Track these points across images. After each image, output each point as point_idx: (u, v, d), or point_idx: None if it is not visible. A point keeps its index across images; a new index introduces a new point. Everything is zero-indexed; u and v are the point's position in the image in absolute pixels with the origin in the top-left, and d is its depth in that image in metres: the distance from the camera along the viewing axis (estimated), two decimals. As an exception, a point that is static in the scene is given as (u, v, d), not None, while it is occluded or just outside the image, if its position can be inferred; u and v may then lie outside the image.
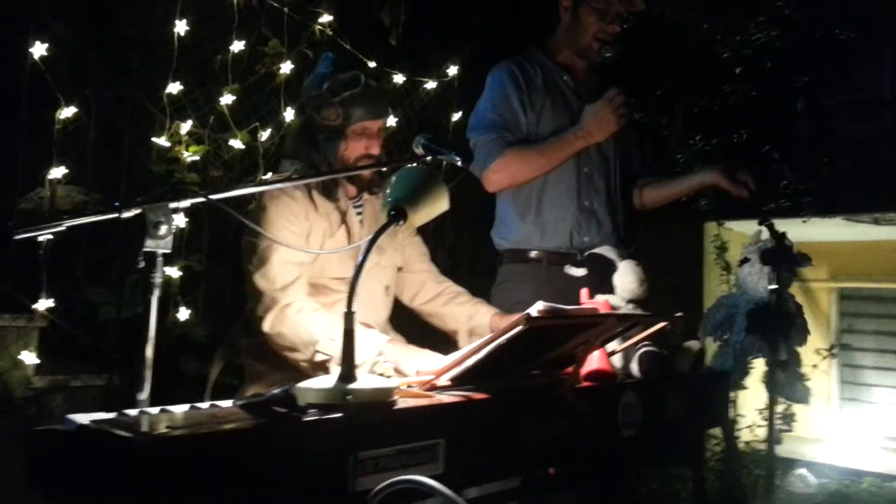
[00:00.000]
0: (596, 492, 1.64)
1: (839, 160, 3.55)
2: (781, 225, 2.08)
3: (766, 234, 2.08)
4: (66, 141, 2.53)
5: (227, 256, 2.76)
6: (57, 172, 2.48)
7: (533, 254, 2.09)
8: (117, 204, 1.25)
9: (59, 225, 1.19)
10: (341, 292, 1.70)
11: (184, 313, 2.53)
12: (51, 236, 1.20)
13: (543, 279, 2.05)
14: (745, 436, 2.83)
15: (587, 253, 2.06)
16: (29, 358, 2.35)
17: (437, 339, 1.88)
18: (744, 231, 3.26)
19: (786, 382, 2.10)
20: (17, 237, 1.20)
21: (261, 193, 1.74)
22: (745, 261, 2.19)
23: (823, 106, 3.66)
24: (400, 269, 1.92)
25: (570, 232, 2.09)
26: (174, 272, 2.52)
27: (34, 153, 2.57)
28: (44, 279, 2.22)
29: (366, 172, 1.77)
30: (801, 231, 3.20)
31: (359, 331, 1.18)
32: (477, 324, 1.83)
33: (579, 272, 2.05)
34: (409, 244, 1.96)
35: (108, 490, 0.89)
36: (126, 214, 1.25)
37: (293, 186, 1.71)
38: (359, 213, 1.82)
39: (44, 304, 2.29)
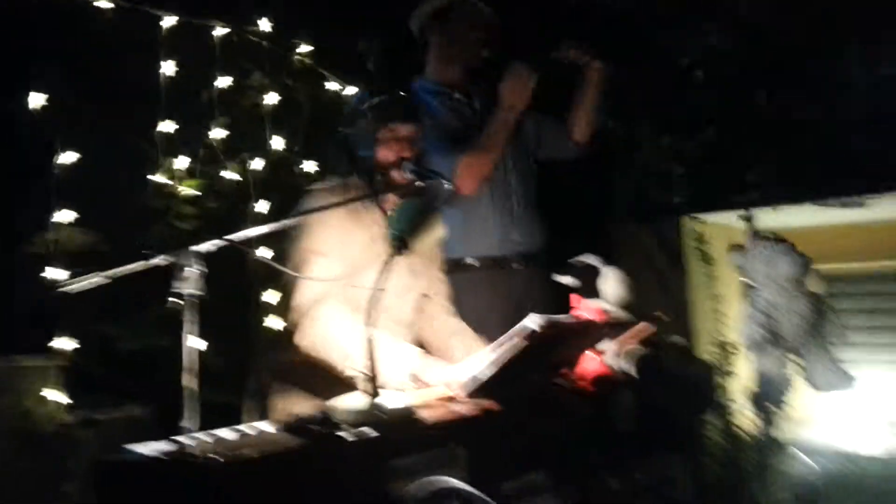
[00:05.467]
0: (600, 485, 1.77)
1: (803, 147, 3.71)
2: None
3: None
4: (66, 185, 2.62)
5: (231, 285, 2.85)
6: (62, 216, 2.56)
7: (471, 261, 2.24)
8: (146, 252, 1.35)
9: (96, 275, 1.30)
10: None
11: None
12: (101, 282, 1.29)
13: (490, 285, 2.22)
14: (739, 420, 2.94)
15: (573, 260, 2.20)
16: (53, 395, 2.42)
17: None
18: (720, 223, 3.40)
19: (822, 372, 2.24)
20: (61, 290, 1.30)
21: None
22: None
23: (786, 97, 3.83)
24: (425, 295, 1.96)
25: (500, 234, 2.27)
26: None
27: (36, 198, 2.66)
28: (59, 318, 2.33)
29: (399, 181, 1.78)
30: (775, 220, 3.34)
31: (394, 345, 1.27)
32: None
33: (568, 280, 2.19)
34: (439, 278, 2.00)
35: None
36: (153, 261, 1.34)
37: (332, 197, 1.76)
38: None
39: (60, 342, 2.38)
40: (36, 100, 2.44)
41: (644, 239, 3.53)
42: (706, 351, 2.98)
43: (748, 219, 2.64)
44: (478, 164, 2.23)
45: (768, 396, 2.34)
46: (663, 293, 3.35)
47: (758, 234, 2.62)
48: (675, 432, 1.85)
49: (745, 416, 2.86)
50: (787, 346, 2.29)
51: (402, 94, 1.87)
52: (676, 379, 1.85)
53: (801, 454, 2.02)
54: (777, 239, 2.55)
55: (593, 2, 2.32)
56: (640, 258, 3.45)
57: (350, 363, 1.65)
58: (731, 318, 3.08)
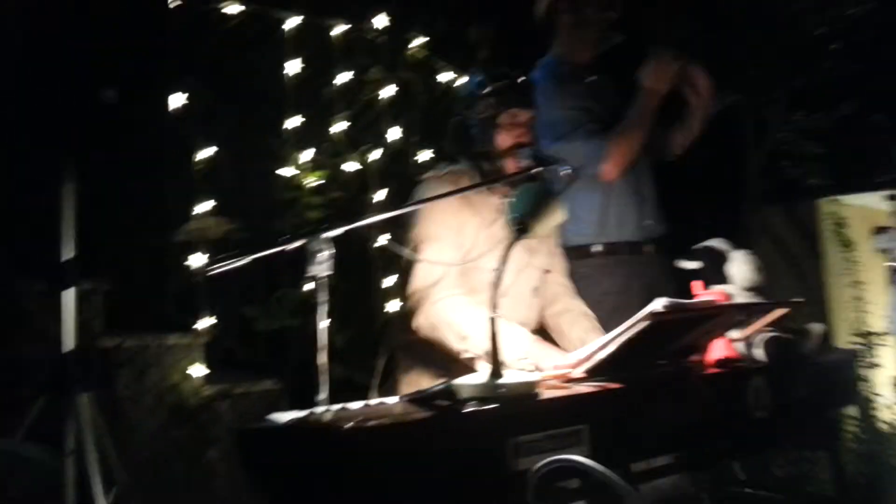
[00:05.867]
0: (730, 473, 1.71)
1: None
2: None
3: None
4: (206, 178, 2.83)
5: (354, 268, 2.98)
6: (205, 206, 2.77)
7: (604, 247, 2.22)
8: (284, 237, 1.45)
9: (244, 259, 1.41)
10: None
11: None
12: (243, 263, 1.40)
13: (623, 270, 2.20)
14: (884, 414, 2.75)
15: (699, 245, 2.13)
16: (197, 370, 2.63)
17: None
18: (861, 205, 3.16)
19: None
20: (211, 272, 1.42)
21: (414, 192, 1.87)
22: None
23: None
24: (547, 271, 1.97)
25: (636, 219, 2.24)
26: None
27: (179, 192, 2.90)
28: (203, 301, 2.53)
29: (516, 168, 1.78)
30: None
31: (507, 329, 1.31)
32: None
33: (693, 265, 2.11)
34: (556, 253, 2.02)
35: (315, 474, 1.08)
36: (292, 246, 1.44)
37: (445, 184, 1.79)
38: None
39: (205, 322, 2.57)
40: (176, 100, 2.64)
41: (777, 223, 3.35)
42: (847, 340, 2.80)
43: (894, 198, 2.43)
44: (624, 150, 2.20)
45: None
46: (798, 279, 3.17)
47: (904, 215, 2.41)
48: (813, 424, 1.74)
49: (890, 411, 2.66)
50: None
51: (522, 78, 1.86)
52: (814, 368, 1.74)
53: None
54: (927, 219, 2.34)
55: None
56: (774, 243, 3.28)
57: (466, 345, 1.68)
58: (874, 305, 2.87)
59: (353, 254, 2.94)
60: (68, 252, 1.98)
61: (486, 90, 1.80)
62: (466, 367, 1.64)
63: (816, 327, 1.78)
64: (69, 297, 1.98)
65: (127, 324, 2.64)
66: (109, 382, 2.45)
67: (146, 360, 2.58)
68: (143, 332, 2.63)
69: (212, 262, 1.45)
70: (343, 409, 1.27)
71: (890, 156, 3.38)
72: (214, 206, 2.77)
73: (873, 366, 2.65)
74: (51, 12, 2.48)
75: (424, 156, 3.09)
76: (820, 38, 3.44)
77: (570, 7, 2.33)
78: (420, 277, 1.77)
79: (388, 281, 2.86)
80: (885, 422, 2.69)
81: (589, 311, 1.97)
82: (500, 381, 1.26)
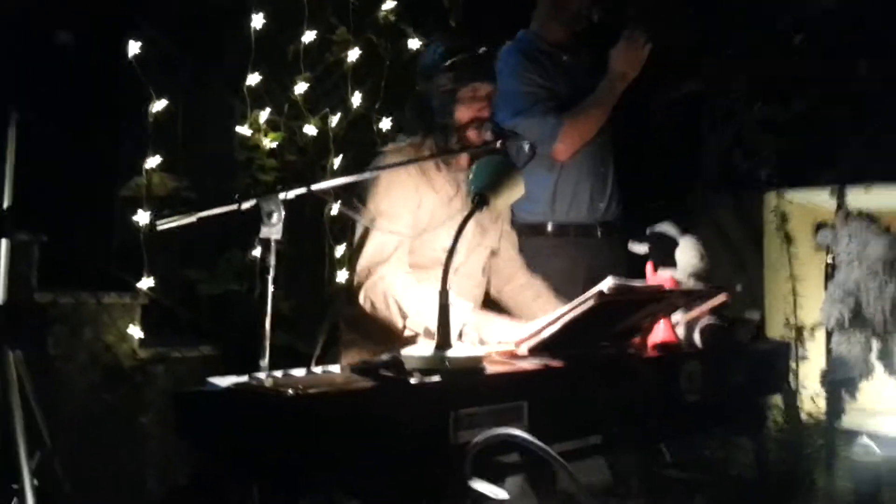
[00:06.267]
0: (661, 453, 1.77)
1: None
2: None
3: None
4: (158, 132, 2.75)
5: (305, 235, 2.95)
6: (152, 162, 2.69)
7: (554, 227, 2.24)
8: (237, 196, 1.42)
9: (191, 216, 1.38)
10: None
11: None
12: (189, 220, 1.37)
13: (572, 251, 2.22)
14: (807, 406, 2.88)
15: (650, 230, 2.17)
16: (134, 332, 2.58)
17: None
18: (806, 200, 3.26)
19: None
20: (158, 227, 1.39)
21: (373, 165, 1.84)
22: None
23: (889, 70, 3.59)
24: (494, 252, 1.99)
25: (589, 202, 2.25)
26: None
27: (130, 144, 2.81)
28: (145, 259, 2.47)
29: (476, 141, 1.78)
30: (865, 200, 3.18)
31: (450, 301, 1.32)
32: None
33: (642, 248, 2.16)
34: (507, 232, 2.04)
35: (255, 439, 1.08)
36: (244, 206, 1.41)
37: (404, 157, 1.79)
38: None
39: (146, 282, 2.51)
40: (133, 48, 2.53)
41: (724, 212, 3.43)
42: (779, 332, 2.90)
43: (840, 196, 2.53)
44: (581, 130, 2.20)
45: (844, 381, 2.27)
46: (739, 269, 3.26)
47: (849, 213, 2.51)
48: (741, 411, 1.82)
49: (813, 403, 2.79)
50: (872, 330, 2.20)
51: (482, 49, 1.84)
52: (747, 355, 1.81)
53: (867, 440, 1.96)
54: (870, 218, 2.44)
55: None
56: (718, 231, 3.37)
57: (408, 322, 1.70)
58: (808, 300, 2.98)
59: (305, 221, 2.90)
60: (4, 200, 1.91)
61: (448, 63, 1.78)
62: (409, 343, 1.66)
63: (753, 316, 1.85)
64: (2, 248, 1.92)
65: (64, 280, 2.56)
66: (41, 340, 2.38)
67: (81, 319, 2.51)
68: (80, 289, 2.55)
69: (156, 218, 1.41)
70: (286, 375, 1.27)
71: (837, 154, 3.49)
72: (164, 162, 2.70)
73: (802, 358, 2.76)
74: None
75: (386, 124, 3.05)
76: (784, 32, 3.50)
77: None
78: (369, 254, 1.77)
79: (339, 251, 2.84)
80: (807, 413, 2.82)
81: (544, 284, 1.99)
82: (446, 354, 1.27)
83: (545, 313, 1.84)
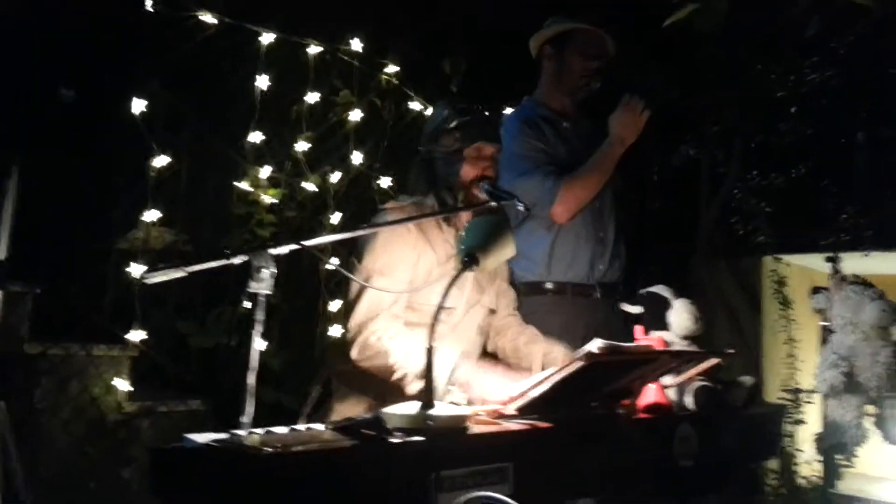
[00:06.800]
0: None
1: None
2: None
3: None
4: (158, 186, 2.78)
5: (300, 291, 2.95)
6: (151, 216, 2.71)
7: (553, 285, 2.24)
8: (227, 251, 1.42)
9: (182, 270, 1.37)
10: (444, 322, 1.74)
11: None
12: (180, 275, 1.37)
13: (570, 309, 2.21)
14: (804, 471, 2.83)
15: (643, 291, 2.17)
16: (121, 384, 2.54)
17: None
18: (802, 265, 3.27)
19: None
20: (148, 281, 1.38)
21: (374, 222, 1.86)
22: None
23: (883, 138, 3.66)
24: (493, 311, 1.97)
25: (588, 263, 2.25)
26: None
27: (129, 198, 2.83)
28: (138, 312, 2.46)
29: (481, 200, 1.79)
30: (861, 265, 3.19)
31: (440, 353, 1.29)
32: (550, 361, 1.85)
33: (636, 310, 2.15)
34: (504, 290, 2.03)
35: (232, 498, 1.05)
36: (235, 261, 1.41)
37: (405, 215, 1.80)
38: None
39: (137, 334, 2.49)
40: (137, 105, 2.59)
41: (722, 276, 3.43)
42: (776, 396, 2.87)
43: (835, 261, 2.54)
44: (578, 194, 2.22)
45: (838, 446, 2.23)
46: (736, 332, 3.24)
47: (844, 278, 2.52)
48: (736, 475, 1.77)
49: (810, 467, 2.73)
50: (866, 396, 2.17)
51: (487, 113, 1.88)
52: (741, 419, 1.77)
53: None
54: (865, 284, 2.44)
55: (686, 29, 2.27)
56: (716, 295, 3.36)
57: (400, 377, 1.67)
58: (805, 364, 2.96)
59: (301, 276, 2.91)
60: (0, 251, 1.92)
61: (454, 123, 1.82)
62: (404, 398, 1.62)
63: (746, 380, 1.82)
64: (-5, 299, 1.91)
65: (56, 331, 2.54)
66: (28, 391, 2.35)
67: (69, 371, 2.48)
68: (71, 340, 2.53)
69: (150, 271, 1.41)
70: (268, 432, 1.25)
71: (834, 220, 3.52)
72: (163, 216, 2.72)
73: (798, 422, 2.72)
74: (16, 4, 2.43)
75: (386, 182, 3.09)
76: (781, 101, 3.58)
77: (556, 55, 2.38)
78: (364, 309, 1.76)
79: (334, 306, 2.83)
80: (803, 477, 2.75)
81: (538, 331, 1.97)
82: (430, 412, 1.25)
83: (539, 358, 1.85)
